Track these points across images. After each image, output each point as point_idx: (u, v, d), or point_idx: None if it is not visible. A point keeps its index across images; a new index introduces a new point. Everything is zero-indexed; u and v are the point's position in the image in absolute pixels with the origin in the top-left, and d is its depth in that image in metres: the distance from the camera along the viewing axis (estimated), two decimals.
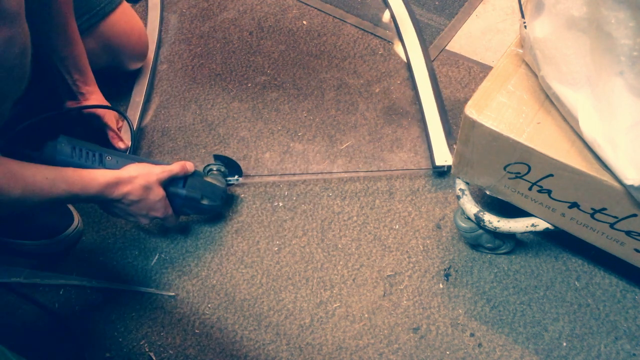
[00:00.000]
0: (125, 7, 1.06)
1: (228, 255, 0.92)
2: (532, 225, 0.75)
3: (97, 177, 0.75)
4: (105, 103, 0.99)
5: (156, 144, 1.06)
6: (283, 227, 0.94)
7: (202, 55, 1.20)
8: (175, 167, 0.85)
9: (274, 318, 0.86)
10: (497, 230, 0.77)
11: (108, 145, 0.98)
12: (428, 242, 0.91)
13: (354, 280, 0.88)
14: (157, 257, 0.93)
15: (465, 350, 0.81)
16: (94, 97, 0.97)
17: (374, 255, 0.90)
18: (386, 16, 1.24)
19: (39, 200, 0.68)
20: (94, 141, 0.83)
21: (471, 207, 0.78)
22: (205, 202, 0.88)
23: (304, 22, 1.24)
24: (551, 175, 0.66)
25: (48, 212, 0.91)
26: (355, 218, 0.95)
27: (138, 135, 1.07)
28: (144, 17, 1.26)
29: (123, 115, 1.00)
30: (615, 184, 0.60)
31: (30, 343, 0.86)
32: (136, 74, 1.14)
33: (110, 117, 0.99)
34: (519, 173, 0.69)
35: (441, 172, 0.99)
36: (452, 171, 0.79)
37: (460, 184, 0.80)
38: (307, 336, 0.84)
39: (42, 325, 0.87)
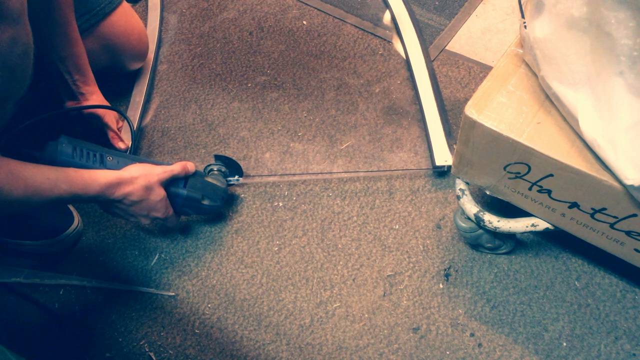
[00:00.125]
0: (125, 7, 1.06)
1: (228, 255, 0.92)
2: (532, 225, 0.75)
3: (98, 178, 0.75)
4: (106, 103, 0.99)
5: (156, 144, 1.06)
6: (283, 227, 0.94)
7: (202, 55, 1.20)
8: (176, 168, 0.85)
9: (274, 318, 0.86)
10: (497, 230, 0.77)
11: (108, 145, 0.98)
12: (428, 242, 0.91)
13: (354, 280, 0.88)
14: (157, 257, 0.93)
15: (465, 350, 0.81)
16: (94, 97, 0.97)
17: (374, 255, 0.90)
18: (386, 16, 1.24)
19: (40, 200, 0.68)
20: (94, 141, 0.83)
21: (471, 207, 0.78)
22: (206, 202, 0.88)
23: (304, 22, 1.24)
24: (551, 175, 0.66)
25: (48, 212, 0.91)
26: (355, 218, 0.95)
27: (138, 135, 1.07)
28: (144, 17, 1.26)
29: (123, 115, 1.00)
30: (615, 184, 0.60)
31: (30, 343, 0.86)
32: (136, 74, 1.14)
33: (110, 117, 0.99)
34: (519, 173, 0.69)
35: (441, 172, 0.99)
36: (452, 171, 0.79)
37: (460, 184, 0.80)
38: (307, 336, 0.84)
39: (42, 325, 0.87)
